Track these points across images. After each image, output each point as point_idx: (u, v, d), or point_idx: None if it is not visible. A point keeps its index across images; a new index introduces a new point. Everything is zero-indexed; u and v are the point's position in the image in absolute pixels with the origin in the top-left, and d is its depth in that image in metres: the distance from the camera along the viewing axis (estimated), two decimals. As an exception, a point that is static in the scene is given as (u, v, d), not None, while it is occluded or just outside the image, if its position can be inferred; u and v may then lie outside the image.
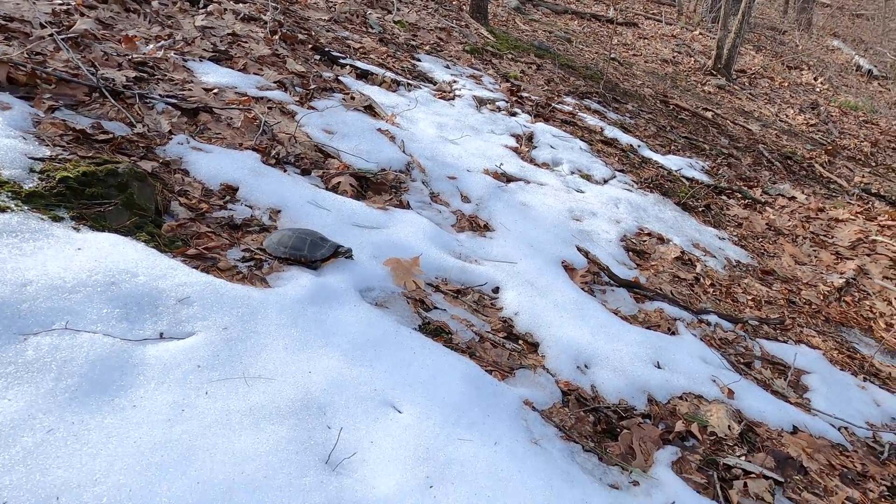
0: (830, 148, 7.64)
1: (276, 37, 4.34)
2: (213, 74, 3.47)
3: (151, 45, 3.51)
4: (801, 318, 3.42)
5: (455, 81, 5.30)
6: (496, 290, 2.64)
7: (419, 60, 5.56)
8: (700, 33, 12.65)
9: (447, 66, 5.66)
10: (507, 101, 5.22)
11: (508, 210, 3.40)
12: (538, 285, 2.73)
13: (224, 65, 3.68)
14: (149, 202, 2.23)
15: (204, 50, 3.71)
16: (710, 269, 3.62)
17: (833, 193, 6.08)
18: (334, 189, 2.93)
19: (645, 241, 3.70)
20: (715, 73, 9.17)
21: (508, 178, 3.84)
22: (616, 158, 4.96)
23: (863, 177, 7.24)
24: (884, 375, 3.11)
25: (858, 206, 5.31)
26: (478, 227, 3.20)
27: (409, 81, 4.78)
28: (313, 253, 2.23)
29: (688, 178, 5.11)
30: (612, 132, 5.56)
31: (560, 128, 5.16)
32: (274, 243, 2.24)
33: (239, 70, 3.69)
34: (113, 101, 2.73)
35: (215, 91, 3.26)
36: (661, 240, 3.77)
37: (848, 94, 11.62)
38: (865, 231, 4.69)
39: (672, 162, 5.42)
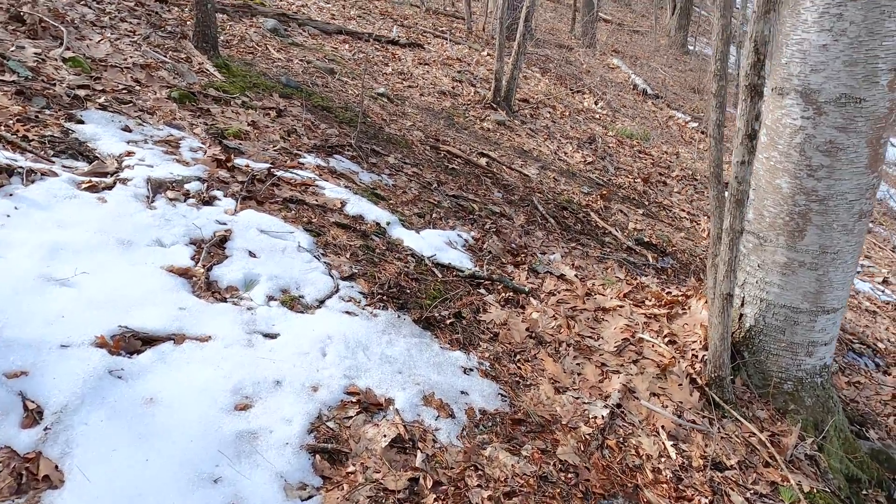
0: (605, 191, 7.37)
1: None
2: None
3: None
4: (551, 511, 2.59)
5: (131, 153, 3.87)
6: None
7: (82, 121, 4.04)
8: (489, 54, 12.26)
9: (127, 128, 4.19)
10: (204, 180, 3.92)
11: (114, 423, 2.14)
12: None
13: None
14: None
15: None
16: (438, 451, 2.66)
17: (605, 254, 5.63)
18: None
19: (349, 420, 2.64)
20: (495, 106, 8.62)
21: (145, 342, 2.56)
22: (350, 253, 3.90)
23: (636, 222, 7.03)
24: None
25: (628, 282, 4.82)
26: (31, 481, 1.89)
27: (32, 166, 3.28)
28: None
29: (442, 267, 4.21)
30: (356, 206, 4.51)
31: (279, 213, 3.98)
32: None
33: None
34: None
35: None
36: (377, 407, 2.75)
37: (626, 118, 11.92)
38: (633, 326, 4.13)
39: (428, 241, 4.50)
